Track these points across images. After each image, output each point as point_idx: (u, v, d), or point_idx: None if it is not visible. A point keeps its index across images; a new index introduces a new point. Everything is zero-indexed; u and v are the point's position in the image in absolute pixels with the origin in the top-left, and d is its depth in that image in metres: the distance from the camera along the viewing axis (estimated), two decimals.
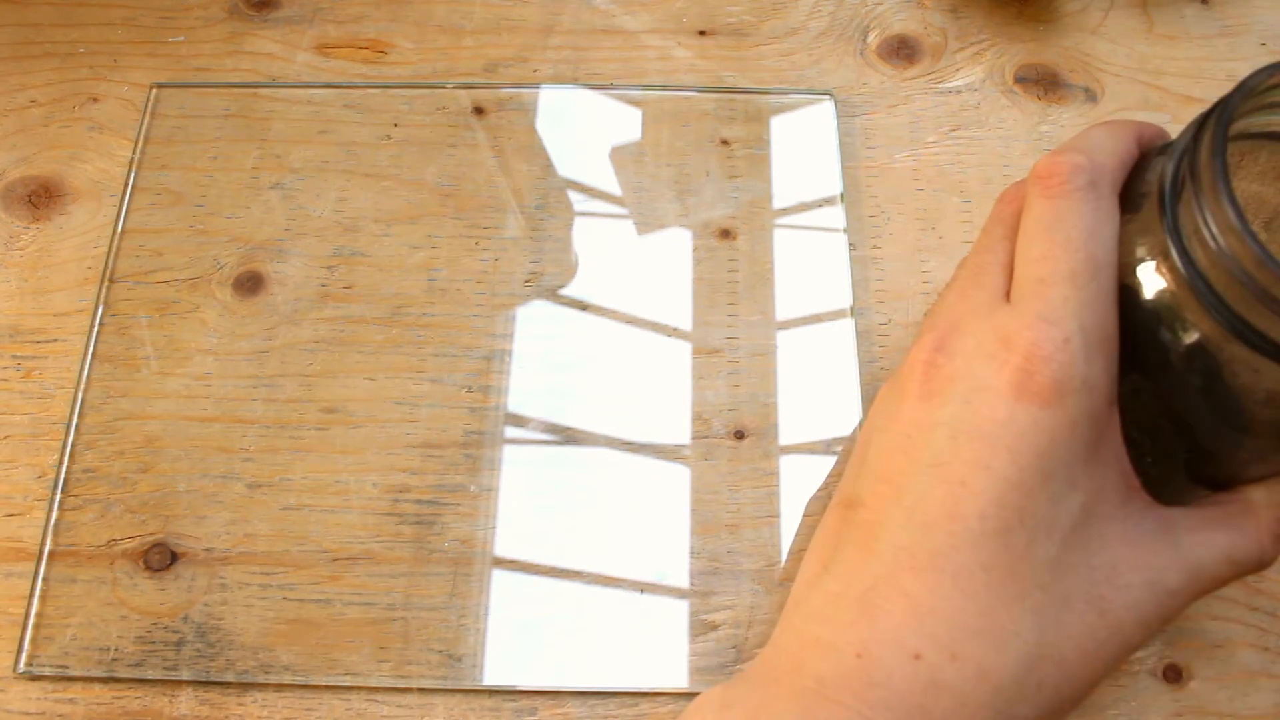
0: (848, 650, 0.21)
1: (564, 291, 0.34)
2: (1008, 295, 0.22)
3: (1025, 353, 0.21)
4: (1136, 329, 0.22)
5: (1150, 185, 0.22)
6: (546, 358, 0.33)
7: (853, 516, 0.23)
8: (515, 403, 0.32)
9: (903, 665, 0.20)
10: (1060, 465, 0.20)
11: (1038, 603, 0.20)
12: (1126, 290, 0.22)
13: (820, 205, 0.36)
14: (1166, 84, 0.38)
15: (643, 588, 0.30)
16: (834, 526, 0.24)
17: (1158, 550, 0.21)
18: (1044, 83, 0.38)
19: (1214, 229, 0.19)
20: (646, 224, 0.35)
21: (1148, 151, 0.24)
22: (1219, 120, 0.19)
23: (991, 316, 0.22)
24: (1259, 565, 0.22)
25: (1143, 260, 0.22)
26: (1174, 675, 0.29)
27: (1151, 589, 0.21)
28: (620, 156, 0.37)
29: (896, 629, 0.20)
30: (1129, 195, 0.23)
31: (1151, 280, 0.21)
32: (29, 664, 0.29)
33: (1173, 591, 0.21)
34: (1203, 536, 0.22)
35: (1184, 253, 0.20)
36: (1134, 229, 0.22)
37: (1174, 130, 0.23)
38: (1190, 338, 0.21)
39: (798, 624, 0.22)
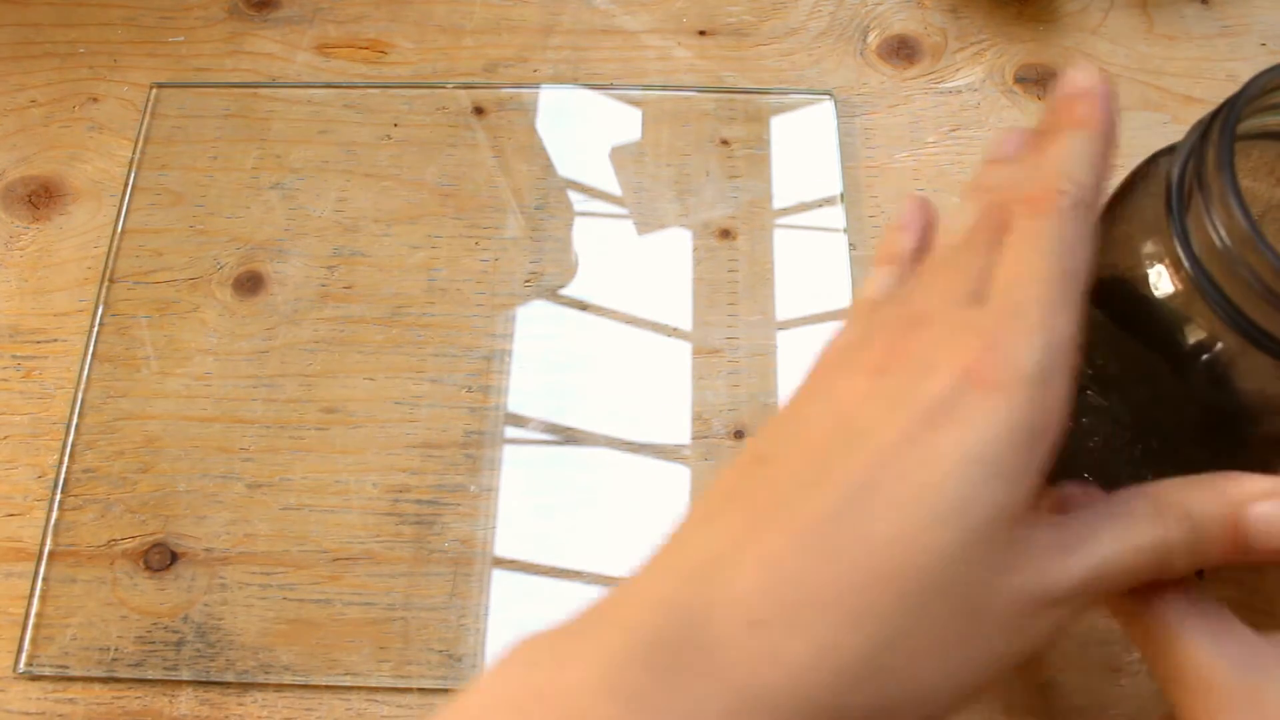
0: (684, 610, 0.19)
1: (564, 291, 0.34)
2: (980, 296, 0.22)
3: (986, 343, 0.20)
4: (1143, 331, 0.22)
5: (1155, 188, 0.22)
6: (546, 358, 0.33)
7: (755, 471, 0.21)
8: (515, 403, 0.32)
9: (740, 632, 0.19)
10: (993, 457, 0.19)
11: (909, 586, 0.19)
12: (1135, 293, 0.22)
13: (820, 205, 0.36)
14: (1166, 84, 0.38)
15: None
16: (732, 480, 0.22)
17: (1051, 558, 0.20)
18: (1044, 83, 0.38)
19: (1225, 237, 0.19)
20: (646, 224, 0.35)
21: (1153, 158, 0.24)
22: (1224, 127, 0.19)
23: (962, 311, 0.21)
24: (1166, 553, 0.21)
25: (1151, 264, 0.22)
26: None
27: (1033, 597, 0.20)
28: (620, 156, 0.37)
29: (747, 594, 0.19)
30: (1132, 196, 0.23)
31: (1161, 283, 0.21)
32: (29, 664, 0.29)
33: (1056, 601, 0.20)
34: (1103, 535, 0.21)
35: (1193, 258, 0.20)
36: (1141, 231, 0.22)
37: (1169, 131, 0.23)
38: (1198, 339, 0.21)
39: (647, 577, 0.21)
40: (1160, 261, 0.21)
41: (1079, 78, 0.24)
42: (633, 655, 0.19)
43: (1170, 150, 0.23)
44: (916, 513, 0.19)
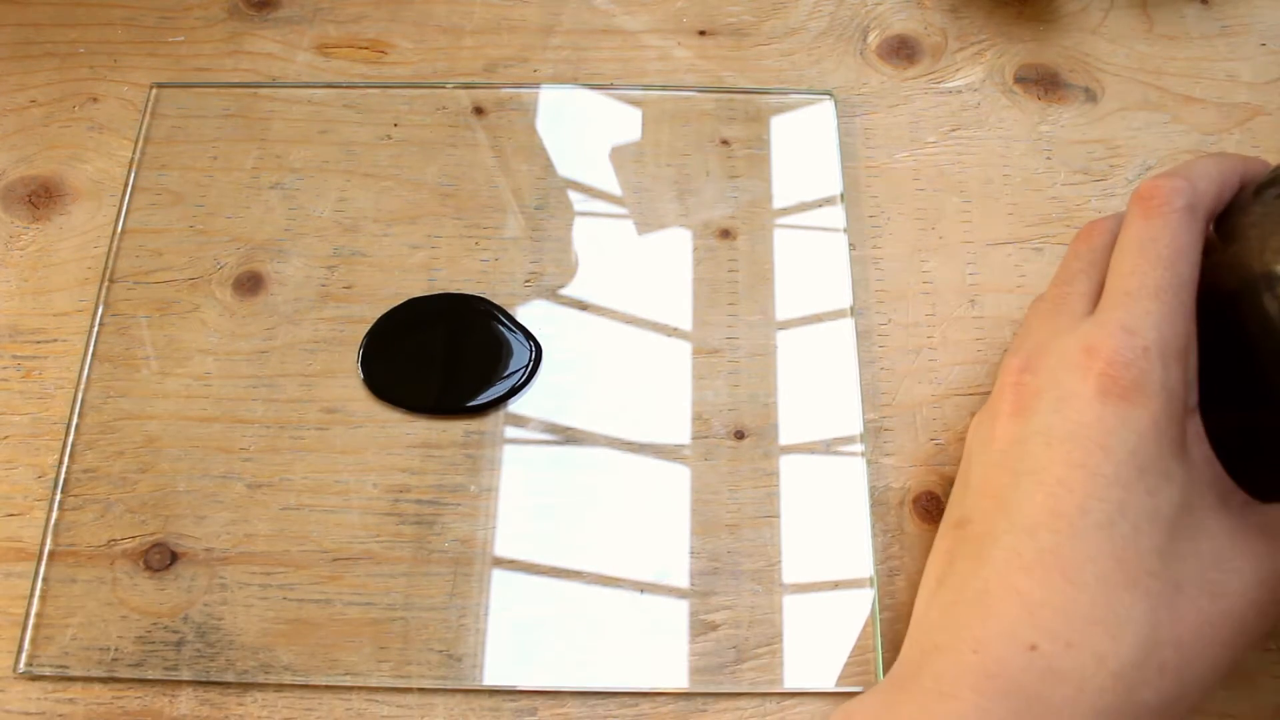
0: (964, 649, 0.21)
1: (564, 291, 0.34)
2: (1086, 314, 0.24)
3: (1108, 359, 0.22)
4: (1259, 342, 0.23)
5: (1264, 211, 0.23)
6: (546, 357, 0.33)
7: (962, 534, 0.24)
8: (515, 404, 0.32)
9: (1018, 656, 0.21)
10: (1152, 459, 0.22)
11: (1149, 588, 0.21)
12: (1255, 304, 0.23)
13: (820, 205, 0.36)
14: (1166, 84, 0.38)
15: (643, 588, 0.30)
16: (945, 547, 0.25)
17: (1265, 539, 0.22)
18: (1044, 83, 0.38)
19: None
20: (646, 224, 0.35)
21: (1253, 183, 0.25)
22: None
23: (1075, 331, 0.24)
24: None
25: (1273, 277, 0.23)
26: None
27: (1259, 574, 0.22)
28: (620, 156, 0.37)
29: (1011, 624, 0.21)
30: (1262, 199, 0.24)
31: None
32: (29, 664, 0.29)
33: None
34: None
35: None
36: (1259, 251, 0.23)
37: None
38: None
39: (917, 637, 0.24)
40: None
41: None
42: (936, 691, 0.21)
43: None
44: (1121, 528, 0.21)
